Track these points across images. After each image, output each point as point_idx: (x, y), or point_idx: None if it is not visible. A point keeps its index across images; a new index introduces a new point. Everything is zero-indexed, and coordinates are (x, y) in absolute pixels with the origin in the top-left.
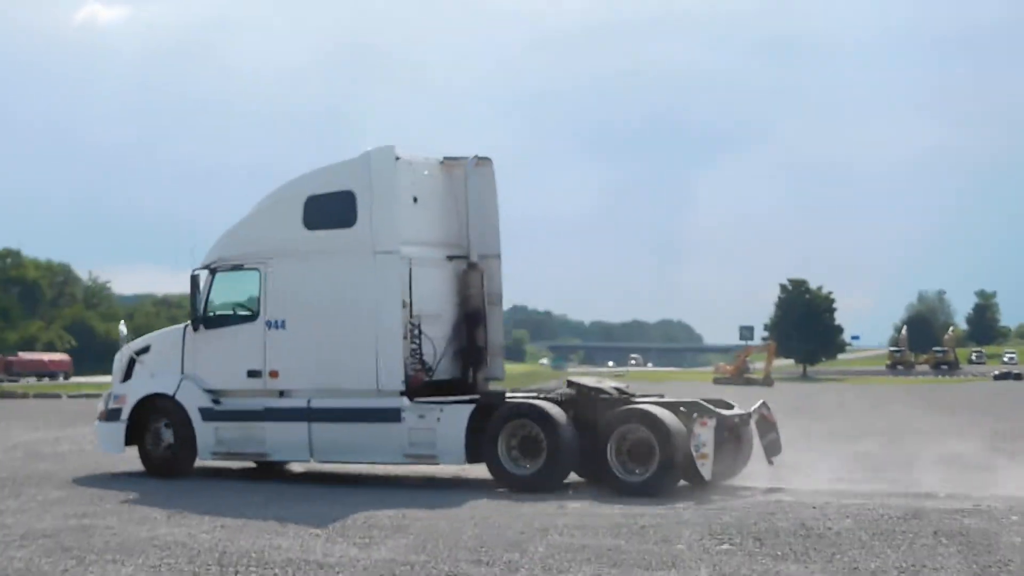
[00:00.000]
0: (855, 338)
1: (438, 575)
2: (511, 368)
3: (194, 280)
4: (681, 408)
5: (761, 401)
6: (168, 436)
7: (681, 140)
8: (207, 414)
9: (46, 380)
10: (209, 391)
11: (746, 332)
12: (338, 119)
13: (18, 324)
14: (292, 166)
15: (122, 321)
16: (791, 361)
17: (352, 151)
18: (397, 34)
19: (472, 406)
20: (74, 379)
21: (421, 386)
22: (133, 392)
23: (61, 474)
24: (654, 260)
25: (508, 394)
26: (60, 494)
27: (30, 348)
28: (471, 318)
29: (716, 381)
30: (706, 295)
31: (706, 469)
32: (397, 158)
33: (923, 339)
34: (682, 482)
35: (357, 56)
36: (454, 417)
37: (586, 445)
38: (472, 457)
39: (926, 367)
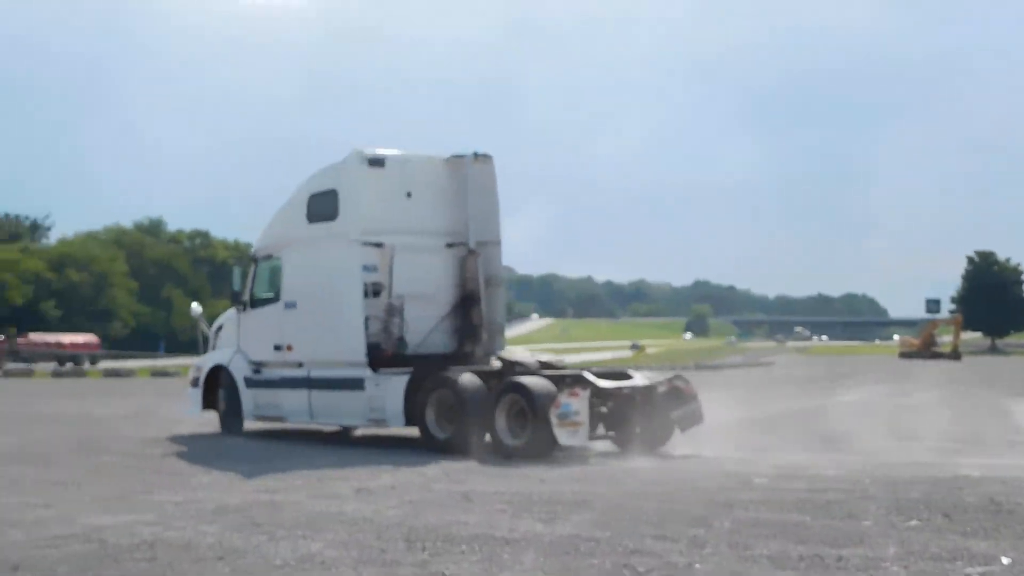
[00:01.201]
0: None
1: (623, 551)
2: (698, 343)
3: (243, 267)
4: (566, 380)
5: (674, 374)
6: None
7: (863, 107)
8: (249, 383)
9: (69, 365)
10: (253, 363)
11: (932, 305)
12: (506, 91)
13: (208, 302)
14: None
15: (194, 302)
16: (979, 334)
17: (517, 123)
18: (563, 8)
19: (407, 376)
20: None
21: (400, 357)
22: (206, 363)
23: (245, 449)
24: (838, 233)
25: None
26: (248, 467)
27: None
28: (467, 299)
29: (902, 355)
30: (891, 268)
31: (577, 436)
32: (379, 159)
33: None
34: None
35: (523, 31)
36: (395, 386)
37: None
38: (409, 421)
39: None
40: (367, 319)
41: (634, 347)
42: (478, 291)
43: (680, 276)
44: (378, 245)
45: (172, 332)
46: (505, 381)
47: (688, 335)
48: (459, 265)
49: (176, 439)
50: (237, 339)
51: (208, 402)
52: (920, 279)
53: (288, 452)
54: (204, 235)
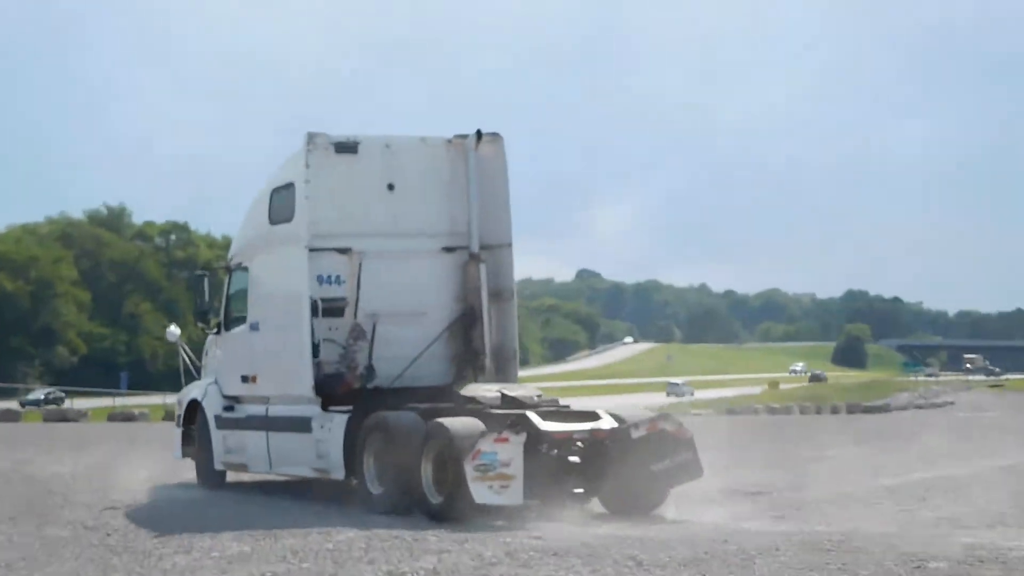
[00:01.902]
0: None
1: None
2: (856, 376)
3: (199, 280)
4: (509, 421)
5: (658, 413)
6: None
7: None
8: (219, 422)
9: None
10: (226, 397)
11: None
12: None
13: (187, 321)
14: None
15: (172, 325)
16: None
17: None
18: None
19: (347, 416)
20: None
21: (368, 392)
22: (184, 397)
23: (231, 512)
24: None
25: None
26: (235, 542)
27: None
28: (467, 317)
29: None
30: None
31: (504, 494)
32: (350, 144)
33: None
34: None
35: None
36: (336, 427)
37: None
38: (349, 471)
39: None
40: (319, 343)
41: (814, 377)
42: (480, 307)
43: (827, 285)
44: (343, 251)
45: (138, 360)
46: (430, 423)
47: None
48: (460, 275)
49: (143, 503)
50: (215, 367)
51: (190, 444)
52: None
53: (285, 514)
54: (182, 229)
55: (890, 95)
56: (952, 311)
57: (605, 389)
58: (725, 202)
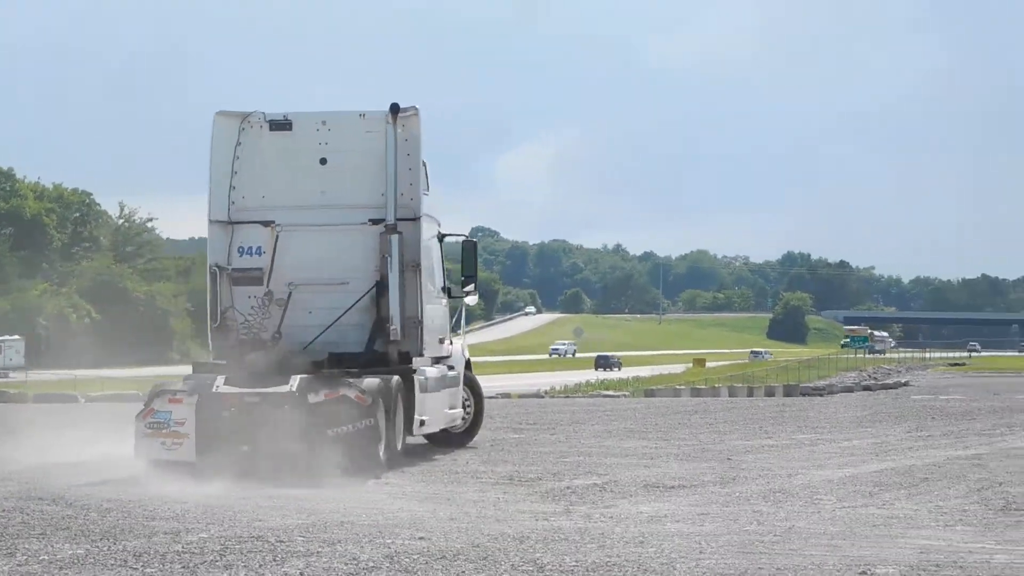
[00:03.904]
0: None
1: None
2: (796, 352)
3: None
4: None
5: (347, 380)
6: None
7: None
8: None
9: None
10: None
11: None
12: None
13: (12, 284)
14: None
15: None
16: None
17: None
18: None
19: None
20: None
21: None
22: None
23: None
24: (1016, 184)
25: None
26: (75, 551)
27: (23, 323)
28: (379, 287)
29: None
30: None
31: (176, 451)
32: (285, 122)
33: None
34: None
35: None
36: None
37: None
38: None
39: None
40: (225, 311)
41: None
42: (390, 278)
43: (762, 248)
44: (265, 224)
45: None
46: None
47: (561, 348)
48: (381, 246)
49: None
50: None
51: None
52: None
53: (129, 509)
54: (7, 176)
55: (836, 43)
56: (907, 278)
57: (505, 367)
58: (645, 154)
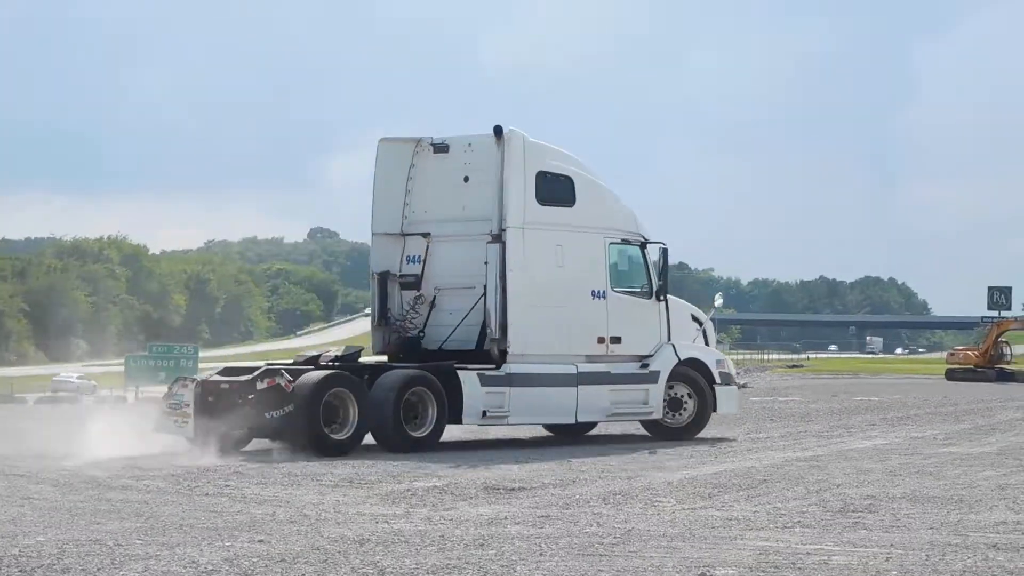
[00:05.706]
0: None
1: None
2: None
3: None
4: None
5: (282, 367)
6: None
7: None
8: None
9: None
10: None
11: (999, 297)
12: None
13: None
14: None
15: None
16: None
17: None
18: None
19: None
20: None
21: (414, 353)
22: None
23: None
24: (853, 187)
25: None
26: None
27: None
28: (485, 290)
29: (951, 375)
30: (937, 242)
31: (184, 428)
32: (444, 145)
33: None
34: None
35: None
36: None
37: None
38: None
39: None
40: (386, 312)
41: None
42: (491, 283)
43: None
44: (425, 235)
45: None
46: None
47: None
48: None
49: None
50: None
51: None
52: (978, 259)
53: None
54: None
55: (679, 26)
56: (745, 279)
57: None
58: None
